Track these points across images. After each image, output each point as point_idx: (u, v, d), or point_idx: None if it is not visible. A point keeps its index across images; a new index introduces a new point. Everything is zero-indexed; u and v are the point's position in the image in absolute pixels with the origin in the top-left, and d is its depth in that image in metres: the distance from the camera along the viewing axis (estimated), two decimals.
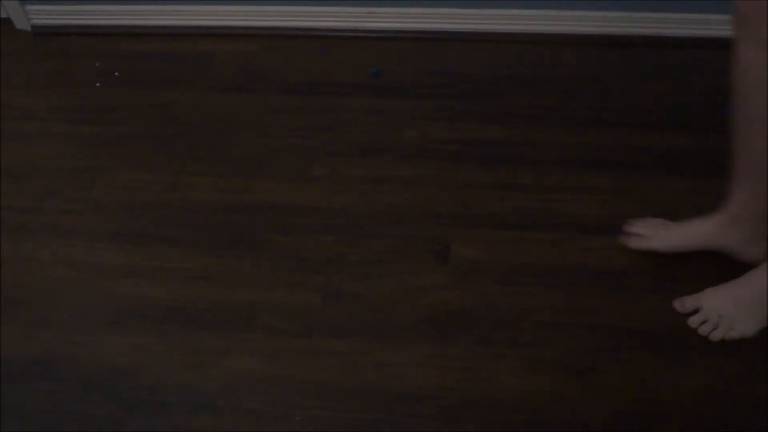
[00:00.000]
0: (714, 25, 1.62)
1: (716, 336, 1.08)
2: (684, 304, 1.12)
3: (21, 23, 1.82)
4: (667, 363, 1.07)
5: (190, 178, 1.40)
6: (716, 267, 1.18)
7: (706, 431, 1.00)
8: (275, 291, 1.19)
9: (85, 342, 1.14)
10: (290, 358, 1.11)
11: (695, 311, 1.11)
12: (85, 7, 1.78)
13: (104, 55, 1.73)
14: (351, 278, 1.21)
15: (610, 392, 1.04)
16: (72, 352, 1.13)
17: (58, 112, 1.58)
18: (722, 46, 1.62)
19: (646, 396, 1.04)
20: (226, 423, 1.04)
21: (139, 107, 1.57)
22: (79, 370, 1.11)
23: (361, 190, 1.35)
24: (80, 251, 1.28)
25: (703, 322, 1.10)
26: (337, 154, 1.43)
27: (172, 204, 1.35)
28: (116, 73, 1.67)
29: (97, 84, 1.65)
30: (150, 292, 1.20)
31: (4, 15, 1.82)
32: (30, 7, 1.79)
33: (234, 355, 1.11)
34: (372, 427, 1.02)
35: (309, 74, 1.63)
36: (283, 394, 1.06)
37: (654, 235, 1.20)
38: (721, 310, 1.09)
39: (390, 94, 1.56)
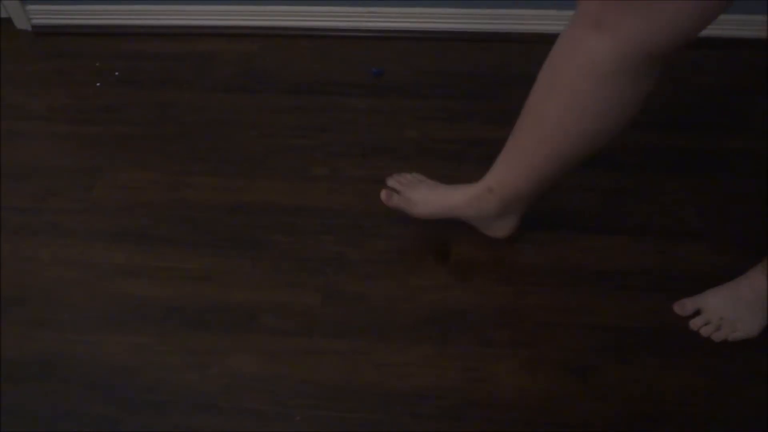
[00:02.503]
0: (714, 25, 1.62)
1: (719, 337, 1.08)
2: (684, 306, 1.12)
3: (21, 23, 1.82)
4: (667, 363, 1.07)
5: (190, 178, 1.40)
6: (713, 267, 1.18)
7: (706, 431, 1.00)
8: (275, 291, 1.19)
9: (85, 342, 1.14)
10: (290, 358, 1.11)
11: (696, 313, 1.11)
12: (85, 7, 1.78)
13: (104, 55, 1.73)
14: (351, 278, 1.21)
15: (610, 392, 1.04)
16: (72, 352, 1.13)
17: (58, 112, 1.58)
18: (722, 45, 1.63)
19: (646, 396, 1.04)
20: (226, 423, 1.04)
21: (139, 107, 1.58)
22: (79, 370, 1.11)
23: (361, 190, 1.35)
24: (80, 251, 1.28)
25: (705, 324, 1.09)
26: (337, 154, 1.43)
27: (172, 204, 1.35)
28: (116, 73, 1.67)
29: (97, 84, 1.65)
30: (150, 292, 1.20)
31: (4, 15, 1.82)
32: (30, 7, 1.79)
33: (234, 355, 1.11)
34: (372, 427, 1.02)
35: (309, 74, 1.63)
36: (283, 394, 1.06)
37: (413, 198, 1.19)
38: (722, 312, 1.09)
39: (390, 94, 1.56)
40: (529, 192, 1.09)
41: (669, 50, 0.79)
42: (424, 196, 1.19)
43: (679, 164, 1.37)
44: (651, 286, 1.17)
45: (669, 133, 1.43)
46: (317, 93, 1.58)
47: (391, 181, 1.23)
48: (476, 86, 1.57)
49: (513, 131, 1.03)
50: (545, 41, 1.66)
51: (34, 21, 1.82)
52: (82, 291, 1.22)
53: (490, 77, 1.59)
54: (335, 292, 1.19)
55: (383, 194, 1.20)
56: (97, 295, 1.21)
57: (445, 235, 1.25)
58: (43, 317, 1.18)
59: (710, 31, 1.70)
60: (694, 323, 1.10)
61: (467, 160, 1.40)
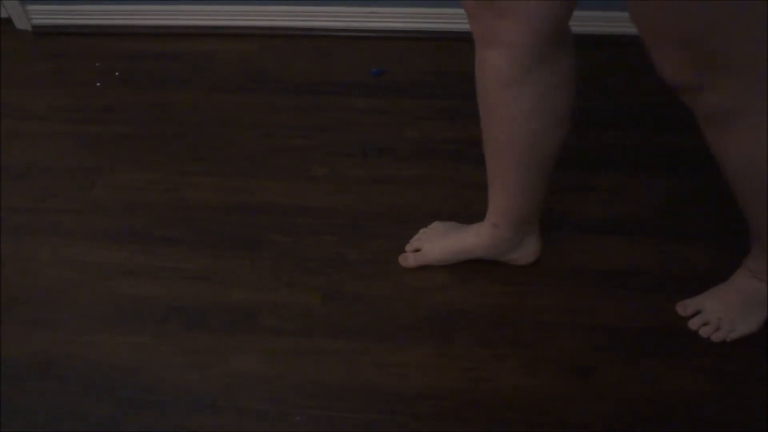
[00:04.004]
0: None
1: (718, 337, 1.08)
2: (686, 307, 1.12)
3: (21, 23, 1.82)
4: (667, 363, 1.07)
5: (190, 178, 1.40)
6: (713, 267, 1.18)
7: (706, 431, 1.00)
8: (275, 291, 1.19)
9: (85, 342, 1.14)
10: (290, 358, 1.11)
11: (696, 313, 1.11)
12: (85, 7, 1.78)
13: (104, 55, 1.73)
14: (351, 278, 1.21)
15: (610, 392, 1.04)
16: (72, 352, 1.13)
17: (58, 112, 1.58)
18: None
19: (646, 396, 1.04)
20: (226, 423, 1.04)
21: (139, 107, 1.58)
22: (79, 370, 1.11)
23: (361, 190, 1.35)
24: (80, 251, 1.28)
25: (704, 324, 1.10)
26: (337, 154, 1.43)
27: (172, 204, 1.35)
28: (116, 73, 1.67)
29: (97, 84, 1.65)
30: (150, 292, 1.20)
31: (4, 15, 1.83)
32: (30, 7, 1.79)
33: (234, 355, 1.11)
34: (372, 427, 1.02)
35: (309, 74, 1.63)
36: (283, 394, 1.06)
37: (428, 248, 1.21)
38: (720, 313, 1.09)
39: (390, 94, 1.56)
40: (527, 208, 1.11)
41: (555, 35, 0.87)
42: (439, 244, 1.20)
43: (679, 164, 1.37)
44: (651, 286, 1.17)
45: (669, 133, 1.43)
46: (317, 93, 1.58)
47: (408, 247, 1.24)
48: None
49: (489, 164, 1.08)
50: None
51: (34, 21, 1.82)
52: (82, 291, 1.22)
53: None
54: (335, 292, 1.19)
55: (400, 259, 1.22)
56: (97, 295, 1.21)
57: None
58: (43, 317, 1.18)
59: None
60: (693, 323, 1.10)
61: (467, 160, 1.40)
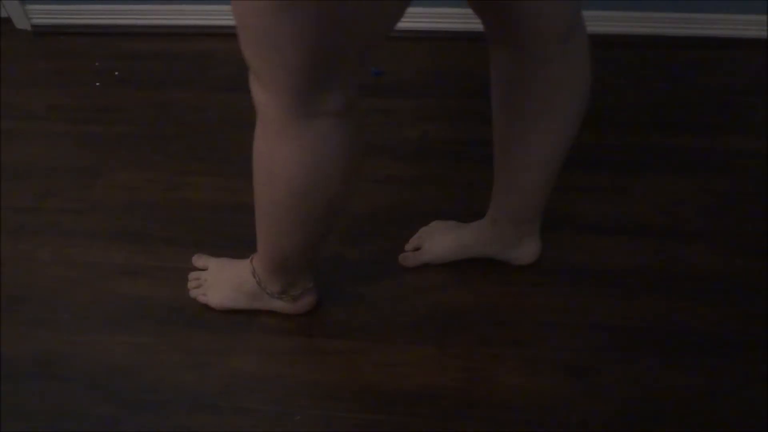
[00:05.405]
0: (714, 25, 1.62)
1: (194, 294, 1.16)
2: (195, 261, 1.20)
3: (21, 23, 1.82)
4: (666, 363, 1.07)
5: (190, 178, 1.40)
6: (713, 267, 1.18)
7: (706, 431, 1.00)
8: None
9: (85, 342, 1.14)
10: (290, 358, 1.11)
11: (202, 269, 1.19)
12: (85, 7, 1.78)
13: (104, 55, 1.73)
14: (351, 278, 1.21)
15: (610, 392, 1.04)
16: (72, 352, 1.13)
17: (58, 111, 1.58)
18: (722, 46, 1.63)
19: (646, 396, 1.04)
20: (226, 423, 1.04)
21: (138, 107, 1.58)
22: (79, 370, 1.11)
23: (361, 190, 1.35)
24: (80, 251, 1.28)
25: (196, 282, 1.17)
26: None
27: (172, 204, 1.35)
28: (116, 73, 1.67)
29: (97, 84, 1.65)
30: (150, 292, 1.20)
31: (4, 15, 1.83)
32: (30, 7, 1.79)
33: (234, 355, 1.11)
34: (372, 427, 1.02)
35: None
36: (283, 394, 1.06)
37: (427, 247, 1.21)
38: (208, 275, 1.17)
39: (390, 94, 1.56)
40: (525, 204, 1.10)
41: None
42: (439, 242, 1.20)
43: (679, 164, 1.37)
44: (651, 286, 1.17)
45: (669, 133, 1.43)
46: None
47: (408, 246, 1.24)
48: (476, 86, 1.57)
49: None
50: None
51: (34, 21, 1.82)
52: (82, 291, 1.22)
53: (490, 77, 1.59)
54: (335, 292, 1.19)
55: (400, 258, 1.22)
56: (97, 295, 1.21)
57: None
58: (43, 317, 1.18)
59: (710, 31, 1.71)
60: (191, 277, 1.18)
61: (467, 160, 1.40)
